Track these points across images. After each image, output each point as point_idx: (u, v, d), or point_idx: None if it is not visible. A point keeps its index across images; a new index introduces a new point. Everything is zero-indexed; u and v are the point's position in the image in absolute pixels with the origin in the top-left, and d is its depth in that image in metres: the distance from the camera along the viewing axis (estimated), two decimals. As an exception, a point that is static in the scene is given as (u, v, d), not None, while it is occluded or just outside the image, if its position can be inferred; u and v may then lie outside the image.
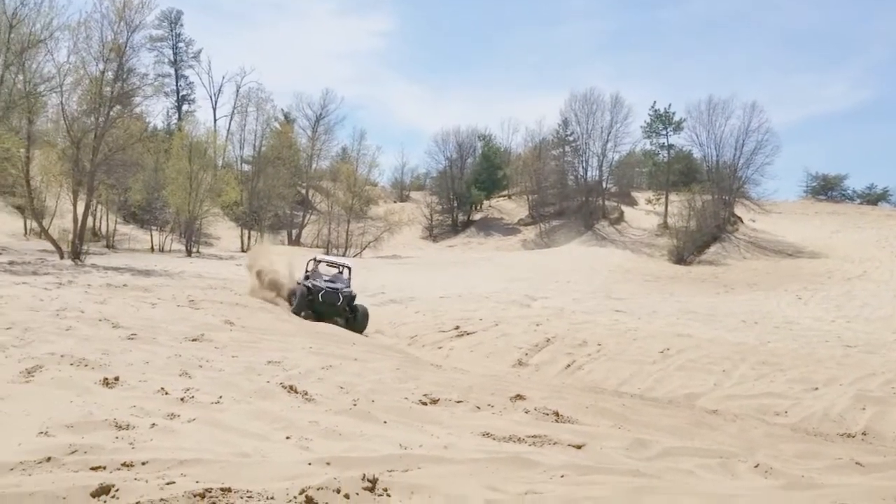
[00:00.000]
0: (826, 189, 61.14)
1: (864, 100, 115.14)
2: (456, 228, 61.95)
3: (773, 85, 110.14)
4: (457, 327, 16.47)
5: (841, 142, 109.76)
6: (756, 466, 5.50)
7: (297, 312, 16.20)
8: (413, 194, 73.79)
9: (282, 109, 66.98)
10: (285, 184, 55.45)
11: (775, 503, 4.51)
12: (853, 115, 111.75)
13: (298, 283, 17.60)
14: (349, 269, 19.26)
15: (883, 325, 21.01)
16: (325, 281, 17.24)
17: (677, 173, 54.39)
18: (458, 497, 4.11)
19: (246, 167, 59.09)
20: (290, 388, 6.71)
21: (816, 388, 10.82)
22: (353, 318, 16.44)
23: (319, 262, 18.95)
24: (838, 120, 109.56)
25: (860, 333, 19.15)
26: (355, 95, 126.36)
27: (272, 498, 3.79)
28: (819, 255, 39.75)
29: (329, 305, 16.39)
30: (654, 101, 67.24)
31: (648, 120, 56.75)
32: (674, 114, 55.56)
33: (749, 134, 49.08)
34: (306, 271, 18.30)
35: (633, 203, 58.10)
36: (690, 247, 43.60)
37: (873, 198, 59.11)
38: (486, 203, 65.95)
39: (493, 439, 5.67)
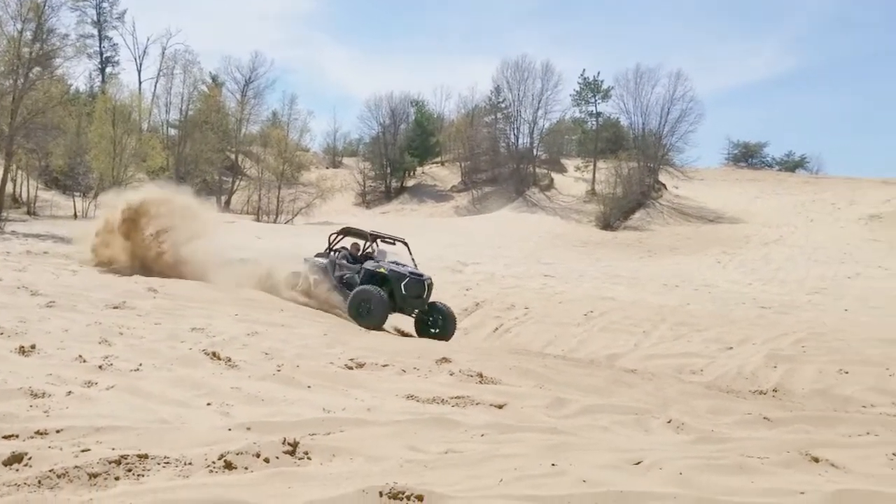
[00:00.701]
0: (747, 156, 63.10)
1: (785, 70, 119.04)
2: (389, 195, 61.65)
3: (698, 54, 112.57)
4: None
5: (762, 110, 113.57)
6: (669, 422, 5.75)
7: (359, 314, 11.83)
8: (346, 160, 72.95)
9: (209, 72, 65.00)
10: (213, 149, 54.05)
11: (683, 456, 4.73)
12: (774, 84, 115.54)
13: (321, 264, 13.30)
14: (406, 244, 13.76)
15: (796, 287, 22.02)
16: (393, 263, 12.84)
17: (605, 141, 55.22)
18: (379, 458, 4.19)
19: (172, 132, 57.35)
20: (213, 354, 6.67)
21: (731, 348, 11.32)
22: (438, 321, 12.50)
23: (349, 234, 14.12)
24: (760, 89, 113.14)
25: (774, 295, 20.03)
26: (286, 59, 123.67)
27: (190, 464, 3.79)
28: (739, 220, 41.15)
29: (414, 299, 12.26)
30: (584, 69, 68.01)
31: (578, 88, 57.31)
32: (602, 82, 56.26)
33: (674, 102, 50.21)
34: (332, 248, 13.87)
35: (562, 170, 58.79)
36: (617, 213, 44.55)
37: (791, 165, 61.35)
38: (419, 169, 65.75)
39: (417, 401, 5.77)
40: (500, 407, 5.74)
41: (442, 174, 65.02)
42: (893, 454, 5.11)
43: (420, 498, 3.54)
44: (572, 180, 55.14)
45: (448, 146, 66.62)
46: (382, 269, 12.33)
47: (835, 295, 21.08)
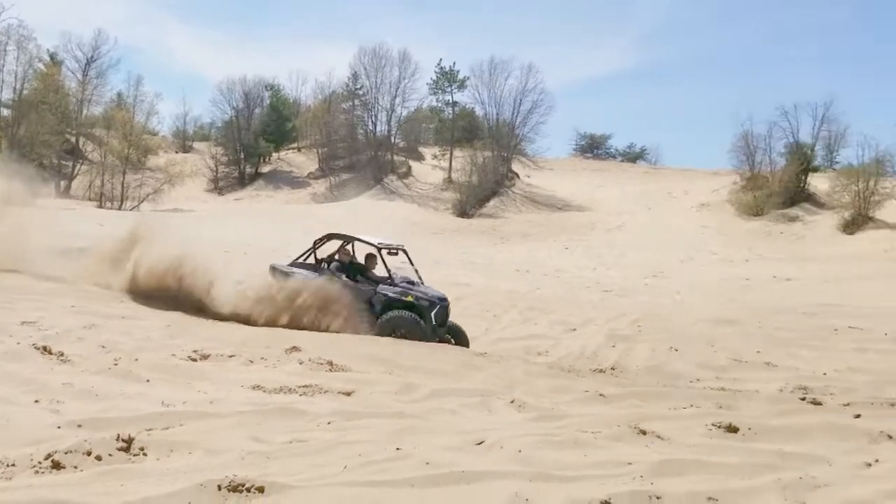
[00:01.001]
0: (593, 147, 66.05)
1: (628, 66, 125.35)
2: (243, 181, 59.78)
3: (549, 48, 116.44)
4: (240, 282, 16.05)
5: (607, 104, 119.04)
6: (512, 402, 5.98)
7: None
8: (197, 145, 69.83)
9: (47, 49, 60.24)
10: (51, 131, 50.30)
11: (523, 434, 4.93)
12: (618, 79, 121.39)
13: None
14: (406, 252, 11.45)
15: (635, 271, 23.39)
16: (407, 282, 10.92)
17: (461, 130, 56.14)
18: (220, 450, 4.10)
19: (5, 112, 52.84)
20: (44, 349, 6.26)
21: (574, 329, 11.90)
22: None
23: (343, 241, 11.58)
24: (605, 83, 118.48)
25: (616, 279, 21.21)
26: (131, 37, 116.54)
27: (13, 465, 3.57)
28: (585, 208, 43.16)
29: (440, 326, 10.55)
30: (441, 59, 68.82)
31: (434, 77, 57.90)
32: (458, 72, 57.12)
33: (526, 94, 51.82)
34: (320, 255, 11.49)
35: (420, 158, 59.25)
36: (472, 201, 45.54)
37: (633, 156, 64.88)
38: (274, 155, 64.13)
39: (264, 391, 5.68)
40: (349, 394, 5.76)
41: (298, 160, 63.81)
42: (712, 425, 5.56)
43: (261, 489, 3.50)
44: (430, 168, 55.71)
45: (305, 132, 65.36)
46: (410, 298, 10.44)
47: (669, 278, 22.61)
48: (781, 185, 41.84)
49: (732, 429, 5.54)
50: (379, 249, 11.00)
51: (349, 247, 11.49)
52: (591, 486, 3.92)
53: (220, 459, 3.94)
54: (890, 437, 5.70)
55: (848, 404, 6.83)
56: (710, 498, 3.98)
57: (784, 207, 40.65)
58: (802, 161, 43.29)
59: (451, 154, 53.95)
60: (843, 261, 31.09)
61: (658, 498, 3.82)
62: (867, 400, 7.31)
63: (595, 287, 18.79)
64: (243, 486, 3.49)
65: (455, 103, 58.17)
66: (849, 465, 4.99)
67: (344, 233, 11.76)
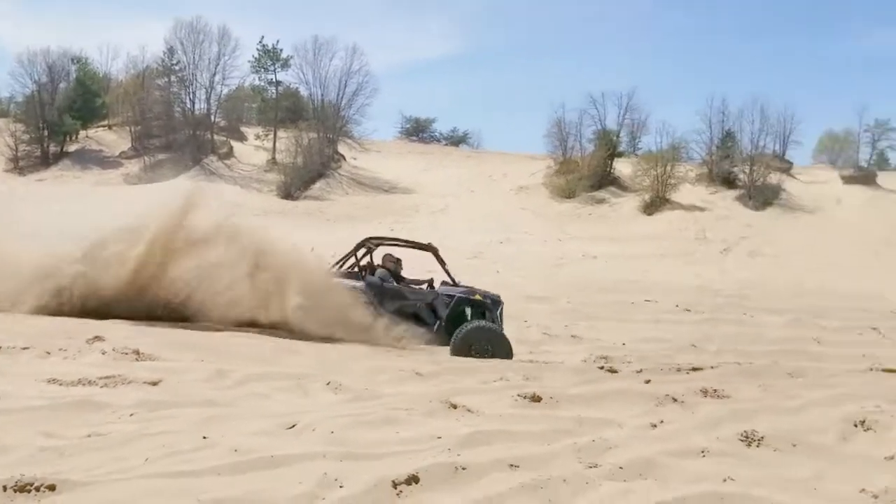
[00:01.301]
0: (417, 131, 66.82)
1: (452, 50, 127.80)
2: (47, 161, 54.91)
3: (373, 30, 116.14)
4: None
5: (431, 87, 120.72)
6: (328, 384, 5.99)
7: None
8: (-7, 121, 63.44)
9: None
10: None
11: (337, 415, 4.96)
12: (442, 63, 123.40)
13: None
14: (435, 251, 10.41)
15: (458, 252, 23.98)
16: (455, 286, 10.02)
17: (285, 110, 54.85)
18: (7, 448, 3.82)
19: None
20: None
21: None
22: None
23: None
24: (429, 67, 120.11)
25: (439, 260, 21.68)
26: None
27: None
28: (410, 191, 43.71)
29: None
30: (263, 37, 66.53)
31: (256, 55, 56.05)
32: (281, 51, 55.61)
33: (351, 75, 51.45)
34: (366, 265, 10.24)
35: (242, 138, 57.21)
36: (298, 183, 44.72)
37: (456, 140, 66.35)
38: (82, 133, 59.44)
39: (60, 385, 5.32)
40: (155, 384, 5.51)
41: (109, 139, 59.58)
42: (518, 396, 5.87)
43: (52, 488, 3.30)
44: (253, 149, 53.99)
45: (116, 109, 61.04)
46: (479, 297, 9.70)
47: (490, 258, 23.48)
48: (591, 169, 44.50)
49: (536, 398, 5.87)
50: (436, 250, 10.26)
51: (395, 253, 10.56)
52: (401, 461, 4.01)
53: (8, 458, 3.67)
54: (675, 399, 6.29)
55: (640, 371, 7.44)
56: (512, 465, 4.20)
57: (593, 190, 43.32)
58: (609, 147, 46.28)
59: (275, 135, 52.59)
60: (643, 240, 33.75)
61: (464, 469, 3.98)
62: (658, 367, 7.97)
63: (420, 269, 19.09)
64: (32, 485, 3.28)
65: (279, 83, 56.67)
66: (637, 427, 5.45)
67: (381, 236, 10.98)
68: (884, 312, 14.44)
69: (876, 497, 4.23)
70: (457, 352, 8.84)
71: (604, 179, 44.85)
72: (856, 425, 5.75)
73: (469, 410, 5.39)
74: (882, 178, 44.84)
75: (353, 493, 3.51)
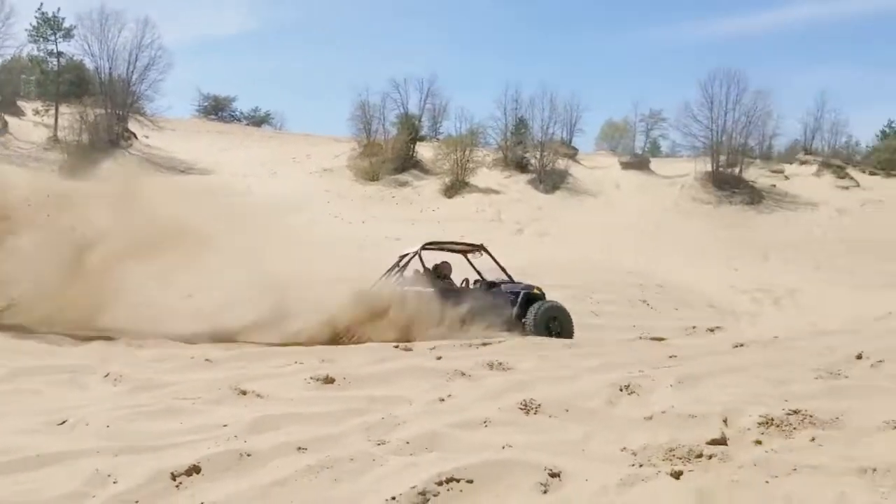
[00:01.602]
0: (216, 109, 64.15)
1: (252, 27, 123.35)
2: None
3: (167, 2, 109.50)
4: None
5: (231, 65, 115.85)
6: (107, 376, 5.67)
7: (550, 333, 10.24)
8: None
9: None
10: None
11: (115, 408, 4.72)
12: (242, 40, 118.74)
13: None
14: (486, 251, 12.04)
15: (259, 235, 23.47)
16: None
17: (69, 84, 50.37)
18: None
19: None
20: None
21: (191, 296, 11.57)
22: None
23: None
24: (229, 44, 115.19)
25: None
26: None
27: None
28: (209, 171, 41.93)
29: None
30: (42, 3, 60.50)
31: (35, 23, 50.93)
32: (64, 20, 50.93)
33: (142, 49, 48.26)
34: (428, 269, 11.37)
35: (20, 113, 51.92)
36: (84, 162, 41.43)
37: (258, 120, 64.53)
38: None
39: None
40: None
41: None
42: (310, 378, 5.90)
43: None
44: (31, 125, 49.18)
45: None
46: (537, 290, 11.19)
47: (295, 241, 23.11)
48: (394, 152, 45.10)
49: (329, 380, 5.94)
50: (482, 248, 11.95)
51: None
52: (182, 452, 3.92)
53: None
54: (463, 373, 6.61)
55: (433, 347, 7.73)
56: (299, 447, 4.22)
57: (396, 173, 43.95)
58: (411, 131, 47.12)
59: (57, 110, 48.23)
60: (444, 221, 34.81)
61: (248, 455, 3.96)
62: (451, 343, 8.30)
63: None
64: None
65: (60, 54, 51.87)
66: (426, 402, 5.68)
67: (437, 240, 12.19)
68: (653, 287, 15.97)
69: (635, 454, 4.72)
70: (537, 328, 10.28)
71: (407, 163, 45.57)
72: (621, 390, 6.36)
73: (259, 396, 5.34)
74: (654, 163, 49.25)
75: (128, 489, 3.38)
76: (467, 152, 43.19)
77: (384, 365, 6.66)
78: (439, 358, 7.12)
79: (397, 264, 11.54)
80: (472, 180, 42.67)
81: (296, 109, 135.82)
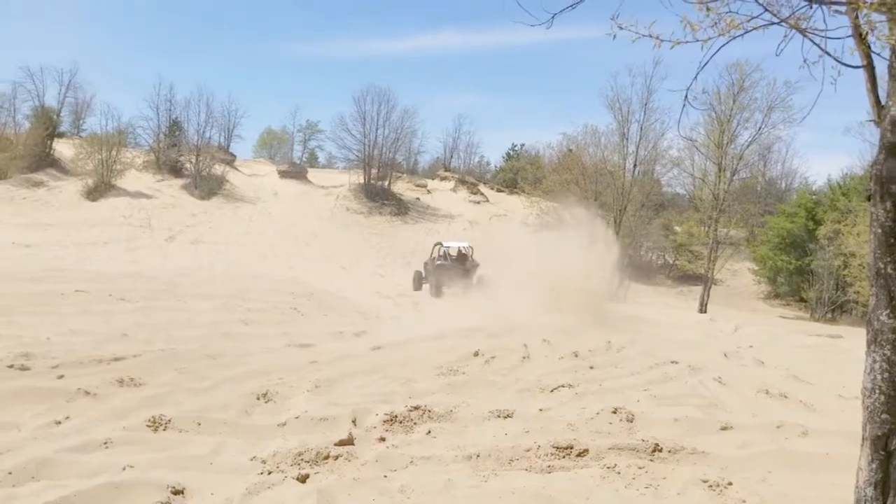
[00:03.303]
0: None
1: None
2: None
3: None
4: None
5: None
6: None
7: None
8: None
9: None
10: None
11: None
12: None
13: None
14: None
15: None
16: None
17: None
18: None
19: None
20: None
21: None
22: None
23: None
24: None
25: None
26: None
27: None
28: None
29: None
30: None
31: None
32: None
33: None
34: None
35: None
36: None
37: None
38: None
39: None
40: None
41: None
42: None
43: None
44: None
45: None
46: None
47: None
48: (27, 148, 40.09)
49: (-85, 411, 5.09)
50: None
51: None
52: None
53: None
54: (88, 392, 6.09)
55: (56, 366, 7.00)
56: None
57: (29, 172, 39.12)
58: (48, 126, 42.30)
59: None
60: (85, 226, 31.78)
61: None
62: (79, 360, 7.58)
63: None
64: None
65: None
66: (38, 427, 5.13)
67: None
68: (305, 294, 16.25)
69: (264, 462, 4.76)
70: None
71: (43, 161, 40.82)
72: (259, 398, 6.38)
73: None
74: (312, 174, 50.35)
75: None
76: (114, 152, 39.94)
77: (-8, 387, 5.89)
78: (61, 377, 6.49)
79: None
80: (120, 183, 39.61)
81: None
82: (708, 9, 2.80)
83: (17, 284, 12.81)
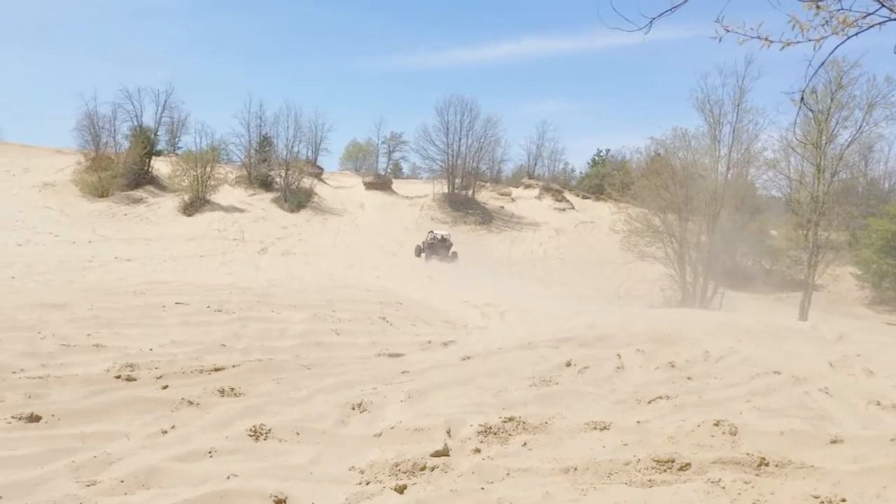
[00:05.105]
0: None
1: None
2: None
3: None
4: None
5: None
6: None
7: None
8: None
9: None
10: None
11: None
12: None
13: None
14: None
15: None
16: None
17: None
18: None
19: None
20: None
21: None
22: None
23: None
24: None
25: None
26: None
27: None
28: None
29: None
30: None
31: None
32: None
33: None
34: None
35: None
36: None
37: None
38: None
39: None
40: None
41: None
42: (12, 417, 5.30)
43: None
44: None
45: None
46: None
47: (4, 263, 20.63)
48: (126, 167, 42.10)
49: (34, 418, 5.39)
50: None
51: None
52: None
53: None
54: (191, 402, 6.31)
55: (160, 377, 7.28)
56: (-9, 497, 3.78)
57: (129, 189, 41.07)
58: (146, 144, 44.31)
59: None
60: (183, 241, 33.10)
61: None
62: (180, 370, 7.87)
63: None
64: None
65: None
66: (146, 436, 5.34)
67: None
68: (393, 304, 16.40)
69: (362, 472, 4.81)
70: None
71: (141, 178, 42.83)
72: (353, 408, 6.45)
73: (-55, 442, 4.70)
74: (396, 184, 50.98)
75: None
76: (208, 168, 41.53)
77: (100, 398, 6.16)
78: (165, 387, 6.75)
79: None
80: (214, 198, 41.14)
81: (12, 119, 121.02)
82: (818, 7, 2.68)
83: (122, 297, 13.40)
